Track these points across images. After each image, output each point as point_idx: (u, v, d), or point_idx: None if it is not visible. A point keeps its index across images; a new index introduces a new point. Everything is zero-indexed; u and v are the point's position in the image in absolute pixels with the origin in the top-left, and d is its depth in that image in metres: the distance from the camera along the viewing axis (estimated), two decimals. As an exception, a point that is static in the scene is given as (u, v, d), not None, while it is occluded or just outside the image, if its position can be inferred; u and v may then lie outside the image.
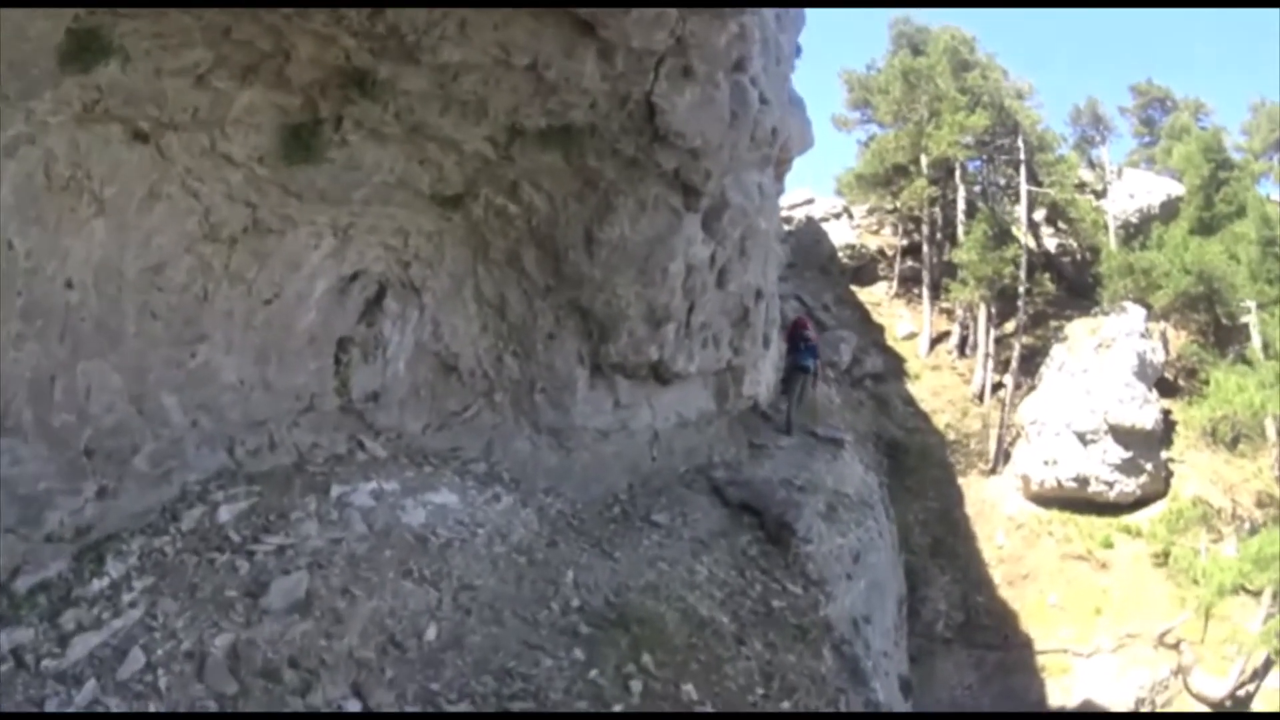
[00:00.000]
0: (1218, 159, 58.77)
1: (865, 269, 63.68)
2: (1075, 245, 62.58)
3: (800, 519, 22.76)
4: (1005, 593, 45.31)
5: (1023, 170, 56.28)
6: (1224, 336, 54.12)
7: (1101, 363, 50.17)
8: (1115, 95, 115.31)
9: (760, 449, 27.92)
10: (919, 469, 47.06)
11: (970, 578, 45.07)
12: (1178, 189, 62.46)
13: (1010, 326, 56.17)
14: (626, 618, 16.59)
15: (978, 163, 60.54)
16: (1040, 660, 42.79)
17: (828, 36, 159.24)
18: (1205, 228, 55.51)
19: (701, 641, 16.99)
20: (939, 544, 45.24)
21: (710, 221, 23.29)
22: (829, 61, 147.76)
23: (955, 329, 57.87)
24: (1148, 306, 53.01)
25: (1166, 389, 52.08)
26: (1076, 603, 44.79)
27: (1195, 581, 40.80)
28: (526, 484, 21.03)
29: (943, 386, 55.21)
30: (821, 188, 71.66)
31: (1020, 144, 56.33)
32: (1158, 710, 40.95)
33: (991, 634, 43.42)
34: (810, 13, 26.88)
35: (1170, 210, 61.14)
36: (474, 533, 17.72)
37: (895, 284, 62.39)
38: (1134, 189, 64.19)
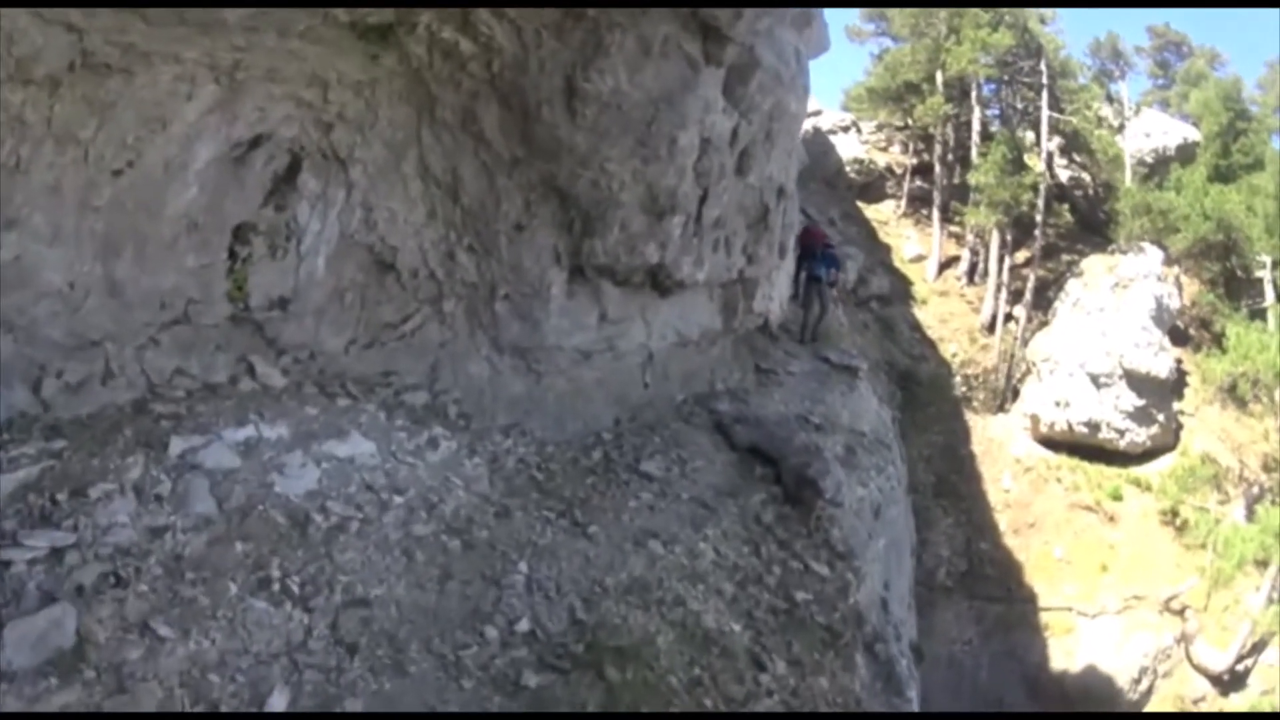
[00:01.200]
0: (1236, 108, 56.39)
1: (873, 186, 58.65)
2: (1089, 179, 58.17)
3: (827, 474, 17.82)
4: (1010, 541, 41.19)
5: (1044, 95, 51.16)
6: (1236, 288, 50.16)
7: (1119, 303, 45.58)
8: (1131, 35, 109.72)
9: (768, 375, 24.00)
10: (930, 402, 42.22)
11: (974, 522, 40.97)
12: (1194, 134, 59.29)
13: (1021, 256, 51.76)
14: (599, 648, 10.81)
15: (992, 86, 55.72)
16: (1044, 618, 39.06)
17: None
18: (1221, 176, 51.91)
19: (708, 674, 11.44)
20: (943, 483, 40.97)
21: (734, 84, 18.08)
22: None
23: (965, 254, 53.05)
24: (1163, 249, 48.91)
25: (1177, 337, 48.01)
26: (1083, 557, 40.68)
27: (1203, 546, 38.26)
28: (480, 421, 16.09)
29: (950, 314, 50.50)
30: (829, 101, 66.61)
31: (1043, 68, 51.25)
32: (1159, 679, 37.74)
33: (994, 585, 39.63)
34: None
35: (1186, 154, 57.54)
36: (386, 504, 12.27)
37: (904, 203, 57.52)
38: (1150, 129, 60.01)
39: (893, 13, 56.88)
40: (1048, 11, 53.69)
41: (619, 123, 15.66)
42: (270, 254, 13.93)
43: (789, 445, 18.61)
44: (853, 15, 60.47)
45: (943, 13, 51.51)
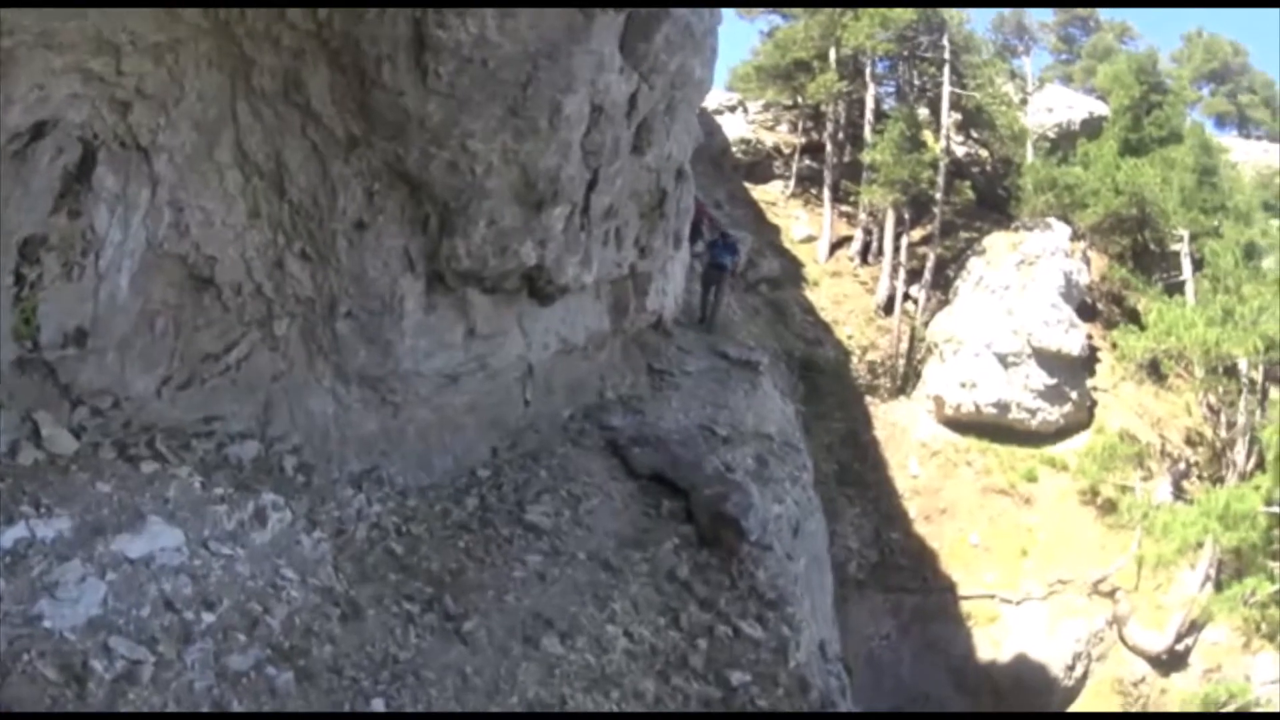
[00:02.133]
0: (1150, 81, 54.02)
1: (760, 166, 55.45)
2: (987, 155, 55.42)
3: (749, 510, 14.79)
4: (922, 529, 38.82)
5: (946, 70, 48.19)
6: (1148, 262, 48.54)
7: (1025, 280, 43.33)
8: (1036, 10, 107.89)
9: (663, 377, 21.46)
10: (831, 391, 39.78)
11: (883, 511, 38.46)
12: (1100, 108, 57.51)
13: (917, 235, 49.15)
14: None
15: (887, 63, 52.36)
16: (965, 607, 36.97)
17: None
18: (1131, 150, 49.48)
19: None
20: (846, 471, 38.09)
21: (635, 38, 14.23)
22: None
23: (858, 234, 50.31)
24: (1069, 224, 46.84)
25: (1086, 313, 45.70)
26: (1001, 543, 38.60)
27: (1126, 526, 37.15)
28: (324, 473, 12.60)
29: (844, 295, 47.46)
30: (714, 80, 61.72)
31: (945, 42, 48.17)
32: (1097, 660, 36.11)
33: (909, 576, 37.30)
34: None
35: (1092, 129, 55.21)
36: (191, 630, 8.73)
37: (792, 183, 54.27)
38: (1053, 104, 58.62)
39: (785, -12, 53.27)
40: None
41: (484, 85, 11.87)
42: (65, 274, 10.35)
43: (698, 472, 15.88)
44: (741, -7, 57.74)
45: (838, -11, 48.97)
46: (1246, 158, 60.27)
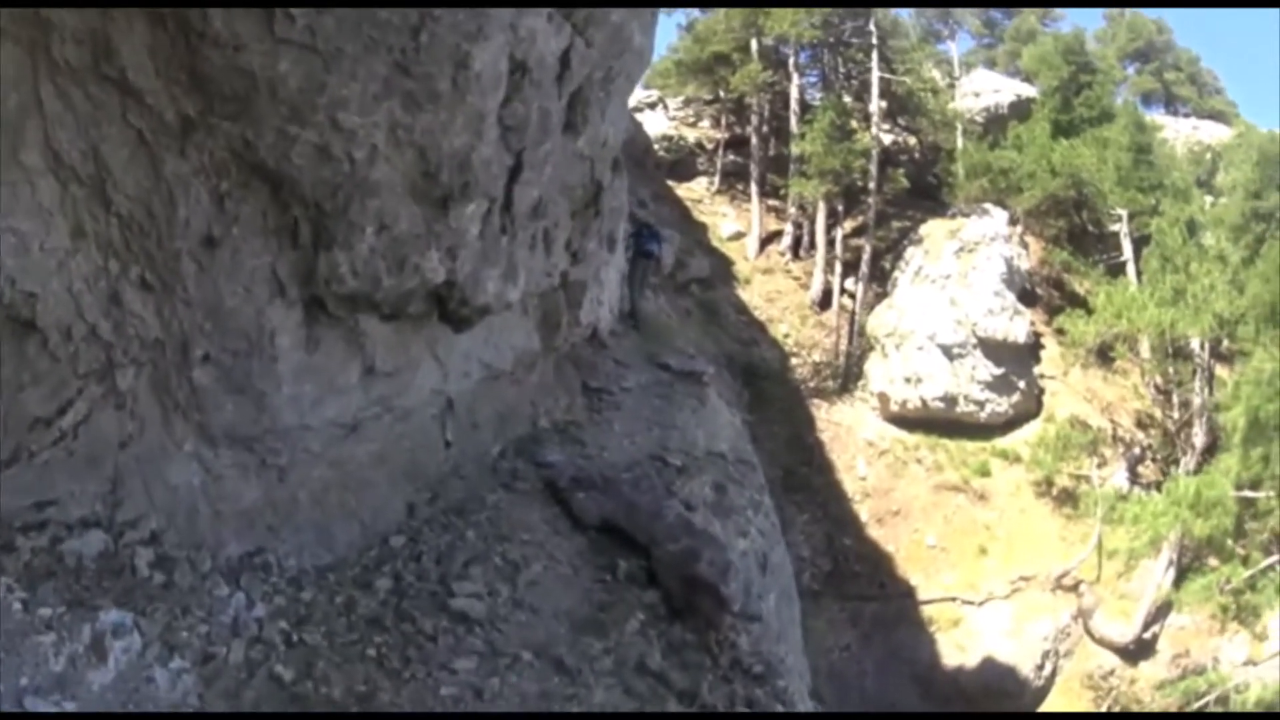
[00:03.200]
0: (1078, 61, 52.57)
1: (683, 163, 53.38)
2: (915, 143, 53.43)
3: (728, 571, 12.07)
4: (874, 532, 37.19)
5: (874, 56, 46.12)
6: (1086, 244, 47.40)
7: (965, 269, 41.60)
8: None
9: (601, 396, 18.56)
10: (775, 395, 37.92)
11: (832, 516, 36.73)
12: (1028, 90, 55.71)
13: (849, 227, 47.03)
14: None
15: (808, 53, 50.27)
16: (926, 611, 35.45)
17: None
18: (1062, 131, 48.12)
19: None
20: (792, 477, 35.90)
21: None
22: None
23: (788, 228, 48.22)
24: (1005, 209, 45.27)
25: (1026, 299, 44.01)
26: (958, 542, 37.08)
27: (1085, 515, 36.30)
28: (192, 566, 9.36)
29: (777, 292, 45.55)
30: None
31: (872, 28, 46.16)
32: (1065, 657, 34.66)
33: (865, 583, 35.78)
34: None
35: (1020, 112, 53.31)
36: None
37: (717, 180, 52.30)
38: (980, 88, 56.48)
39: (703, -22, 51.02)
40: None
41: (356, 31, 8.66)
42: None
43: (658, 521, 12.90)
44: (658, -14, 54.52)
45: (758, -24, 46.82)
46: (1176, 135, 59.44)
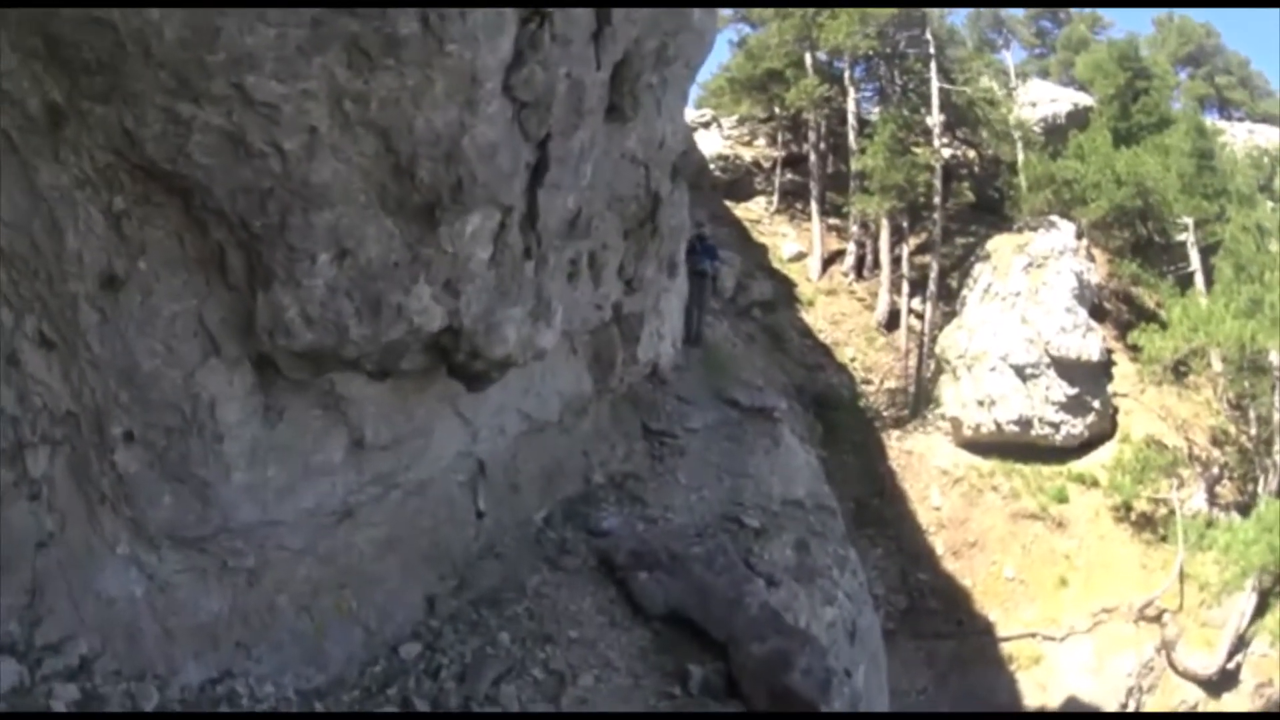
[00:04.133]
0: (1134, 67, 50.48)
1: (740, 183, 50.33)
2: (974, 156, 50.76)
3: (829, 683, 9.73)
4: (951, 565, 34.52)
5: (933, 66, 43.32)
6: (1152, 255, 44.23)
7: (1036, 285, 38.56)
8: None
9: (663, 441, 16.68)
10: (844, 423, 35.38)
11: (907, 550, 34.34)
12: (1084, 99, 53.20)
13: (912, 244, 44.29)
14: None
15: (861, 68, 47.59)
16: (1005, 649, 32.54)
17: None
18: (1121, 139, 45.32)
19: None
20: (863, 509, 33.38)
21: None
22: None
23: (850, 247, 45.36)
24: (1071, 221, 42.24)
25: (1096, 315, 40.44)
26: (1037, 574, 34.26)
27: (1165, 539, 33.63)
28: (134, 699, 7.07)
29: (841, 314, 42.99)
30: None
31: (929, 36, 43.30)
32: (1148, 692, 31.73)
33: (941, 620, 32.93)
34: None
35: (1078, 121, 50.38)
36: None
37: (776, 199, 49.36)
38: (1036, 98, 52.81)
39: (755, -8, 48.69)
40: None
41: None
42: None
43: (739, 613, 10.85)
44: (707, 7, 52.33)
45: (809, -12, 44.53)
46: (1232, 139, 56.35)
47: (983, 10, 56.23)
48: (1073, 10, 65.14)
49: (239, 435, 7.37)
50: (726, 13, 50.72)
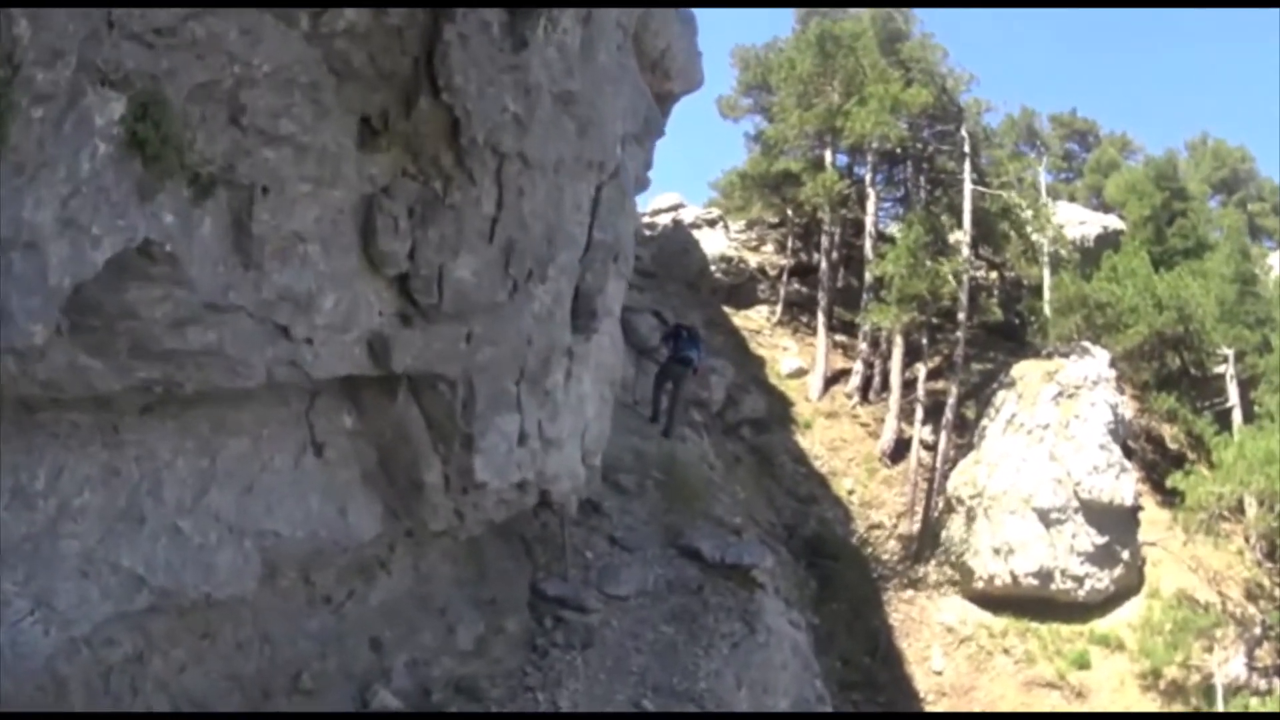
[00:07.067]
0: (1171, 188, 48.35)
1: (743, 289, 45.86)
2: (995, 277, 46.52)
3: None
4: None
5: (967, 165, 38.06)
6: (1186, 388, 39.43)
7: (1066, 418, 33.47)
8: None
9: (560, 615, 11.33)
10: (847, 578, 29.42)
11: None
12: (1115, 222, 49.81)
13: (927, 366, 38.59)
14: None
15: (882, 175, 43.12)
16: None
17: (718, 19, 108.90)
18: (1156, 264, 41.51)
19: None
20: (852, 668, 26.76)
21: None
22: (718, 44, 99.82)
23: (857, 366, 40.26)
24: (1104, 349, 37.37)
25: (1124, 453, 35.17)
26: None
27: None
28: None
29: (842, 440, 37.50)
30: (693, 194, 56.72)
31: (964, 134, 38.15)
32: None
33: None
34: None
35: (1107, 244, 45.70)
36: None
37: (779, 309, 44.50)
38: (1064, 219, 47.53)
39: (778, 78, 42.90)
40: (964, 74, 41.53)
41: None
42: None
43: None
44: (726, 86, 48.84)
45: (840, 72, 38.86)
46: (1270, 267, 52.53)
47: (1016, 120, 52.59)
48: (1102, 133, 62.32)
49: None
50: (746, 101, 47.91)
